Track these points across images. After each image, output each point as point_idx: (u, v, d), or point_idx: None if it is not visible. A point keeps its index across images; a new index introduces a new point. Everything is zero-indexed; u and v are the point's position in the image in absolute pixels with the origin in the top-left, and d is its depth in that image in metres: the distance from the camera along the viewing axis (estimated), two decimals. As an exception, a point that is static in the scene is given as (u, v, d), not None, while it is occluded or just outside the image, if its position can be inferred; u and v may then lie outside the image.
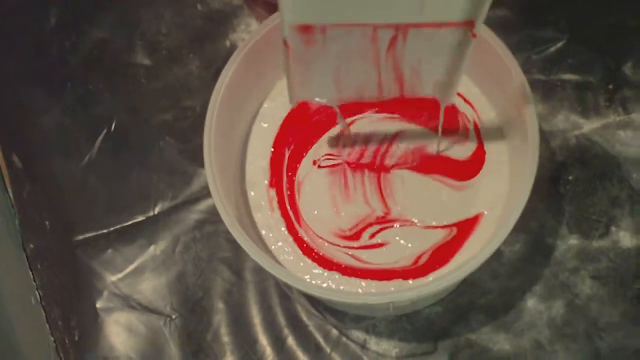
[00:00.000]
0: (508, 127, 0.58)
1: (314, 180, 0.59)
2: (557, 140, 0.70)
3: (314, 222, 0.57)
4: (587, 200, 0.67)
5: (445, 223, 0.56)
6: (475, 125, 0.59)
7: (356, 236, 0.57)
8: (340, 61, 0.48)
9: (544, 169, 0.67)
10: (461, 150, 0.59)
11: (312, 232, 0.57)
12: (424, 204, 0.57)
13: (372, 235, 0.57)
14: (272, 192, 0.59)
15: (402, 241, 0.56)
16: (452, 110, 0.60)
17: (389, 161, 0.59)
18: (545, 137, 0.69)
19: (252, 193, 0.59)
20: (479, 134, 0.59)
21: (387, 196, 0.58)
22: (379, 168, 0.59)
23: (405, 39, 0.45)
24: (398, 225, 0.57)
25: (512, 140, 0.57)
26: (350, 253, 0.56)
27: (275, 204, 0.58)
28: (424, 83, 0.51)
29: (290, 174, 0.60)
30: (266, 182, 0.59)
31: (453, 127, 0.59)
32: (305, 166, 0.60)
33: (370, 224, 0.57)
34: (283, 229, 0.58)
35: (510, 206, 0.51)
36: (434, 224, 0.56)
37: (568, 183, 0.68)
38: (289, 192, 0.59)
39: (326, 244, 0.56)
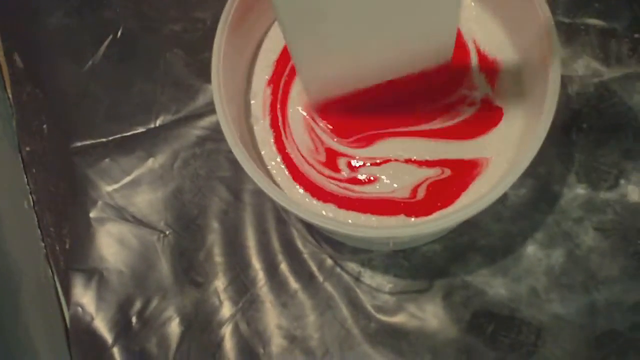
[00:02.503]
0: (528, 74, 0.55)
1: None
2: (575, 86, 0.68)
3: (296, 136, 0.56)
4: (598, 150, 0.65)
5: (428, 158, 0.53)
6: (493, 82, 0.55)
7: (332, 165, 0.54)
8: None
9: (558, 115, 0.64)
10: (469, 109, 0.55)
11: (297, 149, 0.55)
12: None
13: (353, 169, 0.54)
14: (269, 91, 0.57)
15: (385, 178, 0.53)
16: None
17: None
18: (563, 82, 0.67)
19: (253, 102, 0.57)
20: (496, 90, 0.55)
21: None
22: None
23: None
24: None
25: (530, 85, 0.54)
26: (342, 186, 0.54)
27: (267, 107, 0.56)
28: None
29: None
30: (267, 77, 0.57)
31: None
32: None
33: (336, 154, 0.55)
34: (272, 141, 0.55)
35: (521, 151, 0.49)
36: (414, 157, 0.53)
37: (581, 131, 0.66)
38: (283, 87, 0.57)
39: (307, 166, 0.54)
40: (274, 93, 0.57)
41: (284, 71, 0.57)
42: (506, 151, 0.53)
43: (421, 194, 0.52)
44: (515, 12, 0.54)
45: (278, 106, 0.56)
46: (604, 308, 0.61)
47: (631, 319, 0.60)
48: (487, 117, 0.54)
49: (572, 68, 0.68)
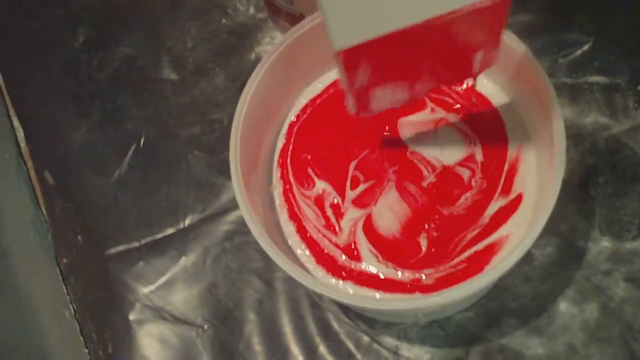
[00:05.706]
0: (540, 151, 0.56)
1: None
2: (586, 143, 0.69)
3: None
4: (618, 202, 0.66)
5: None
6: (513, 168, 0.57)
7: (334, 229, 0.56)
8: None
9: (573, 173, 0.67)
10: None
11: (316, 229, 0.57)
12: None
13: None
14: (282, 181, 0.60)
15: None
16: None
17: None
18: (574, 140, 0.68)
19: (276, 192, 0.59)
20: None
21: None
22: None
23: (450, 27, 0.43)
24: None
25: (542, 159, 0.55)
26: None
27: (283, 197, 0.59)
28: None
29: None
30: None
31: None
32: None
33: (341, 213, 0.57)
34: (295, 230, 0.57)
35: (537, 212, 0.49)
36: None
37: (598, 186, 0.67)
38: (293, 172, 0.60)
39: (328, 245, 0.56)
40: (286, 182, 0.59)
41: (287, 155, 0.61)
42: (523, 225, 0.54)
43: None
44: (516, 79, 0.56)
45: (290, 194, 0.59)
46: (644, 358, 0.61)
47: (672, 366, 0.60)
48: (506, 207, 0.55)
49: (581, 126, 0.70)
